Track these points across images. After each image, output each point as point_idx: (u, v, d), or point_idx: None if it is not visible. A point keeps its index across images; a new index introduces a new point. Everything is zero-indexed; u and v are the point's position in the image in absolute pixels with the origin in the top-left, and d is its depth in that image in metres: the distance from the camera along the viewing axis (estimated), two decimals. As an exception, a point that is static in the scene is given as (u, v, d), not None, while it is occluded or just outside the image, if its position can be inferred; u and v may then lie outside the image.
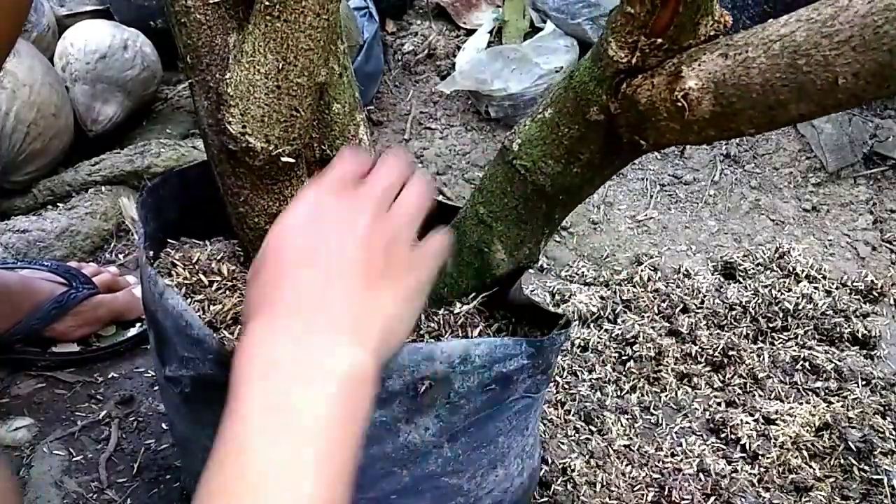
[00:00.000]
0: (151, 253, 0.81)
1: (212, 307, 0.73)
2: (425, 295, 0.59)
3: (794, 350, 1.30)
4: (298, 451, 0.42)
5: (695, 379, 1.24)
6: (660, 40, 0.53)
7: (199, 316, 0.72)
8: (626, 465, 1.10)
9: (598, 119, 0.59)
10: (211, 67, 0.71)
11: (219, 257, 0.79)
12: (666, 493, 1.05)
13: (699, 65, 0.50)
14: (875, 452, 1.10)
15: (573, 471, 1.07)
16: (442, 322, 0.78)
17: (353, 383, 0.45)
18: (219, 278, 0.77)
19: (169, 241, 0.83)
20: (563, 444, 1.11)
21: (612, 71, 0.56)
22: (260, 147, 0.69)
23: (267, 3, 0.64)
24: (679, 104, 0.50)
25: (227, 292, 0.75)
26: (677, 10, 0.51)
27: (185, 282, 0.76)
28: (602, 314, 1.34)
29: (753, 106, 0.47)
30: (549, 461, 1.08)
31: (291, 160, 0.72)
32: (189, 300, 0.75)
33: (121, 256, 1.43)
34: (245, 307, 0.52)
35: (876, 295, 1.44)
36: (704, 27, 0.53)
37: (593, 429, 1.14)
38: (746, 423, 1.16)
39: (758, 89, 0.46)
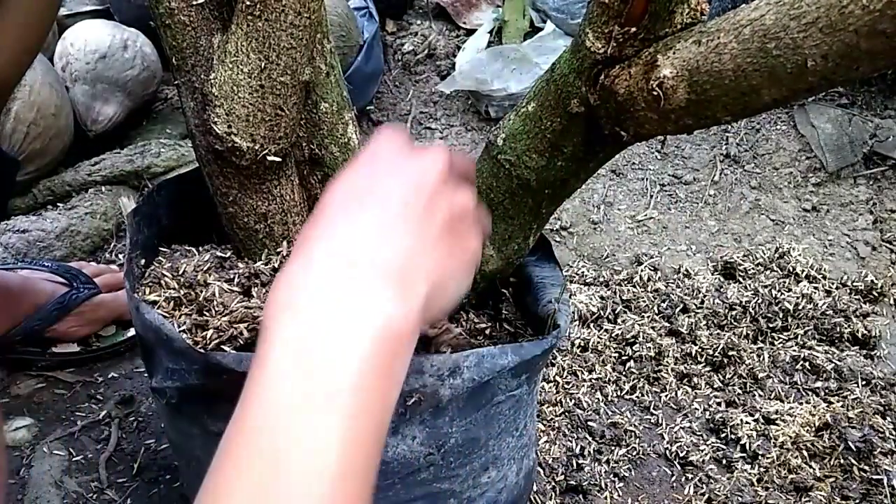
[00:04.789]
0: (143, 261, 0.81)
1: (201, 332, 0.73)
2: (475, 270, 0.55)
3: (794, 350, 1.30)
4: (324, 413, 0.38)
5: (695, 379, 1.24)
6: (635, 29, 0.53)
7: (187, 332, 0.72)
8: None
9: (579, 111, 0.59)
10: (196, 68, 0.71)
11: (205, 268, 0.79)
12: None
13: (674, 53, 0.50)
14: (875, 452, 1.10)
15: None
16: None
17: (391, 339, 0.41)
18: (204, 290, 0.77)
19: (161, 248, 0.84)
20: (563, 444, 1.10)
21: (590, 62, 0.56)
22: (246, 147, 0.70)
23: (248, 3, 0.64)
24: (655, 93, 0.49)
25: (215, 305, 0.75)
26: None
27: (174, 294, 0.76)
28: (602, 314, 1.34)
29: (727, 93, 0.47)
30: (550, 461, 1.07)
31: (278, 159, 0.72)
32: (177, 313, 0.75)
33: (120, 256, 1.43)
34: (297, 242, 0.47)
35: (876, 295, 1.44)
36: (680, 15, 0.52)
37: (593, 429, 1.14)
38: (746, 423, 1.15)
39: (730, 75, 0.46)
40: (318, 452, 0.37)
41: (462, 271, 0.51)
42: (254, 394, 0.39)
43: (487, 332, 0.81)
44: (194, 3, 0.69)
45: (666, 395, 1.21)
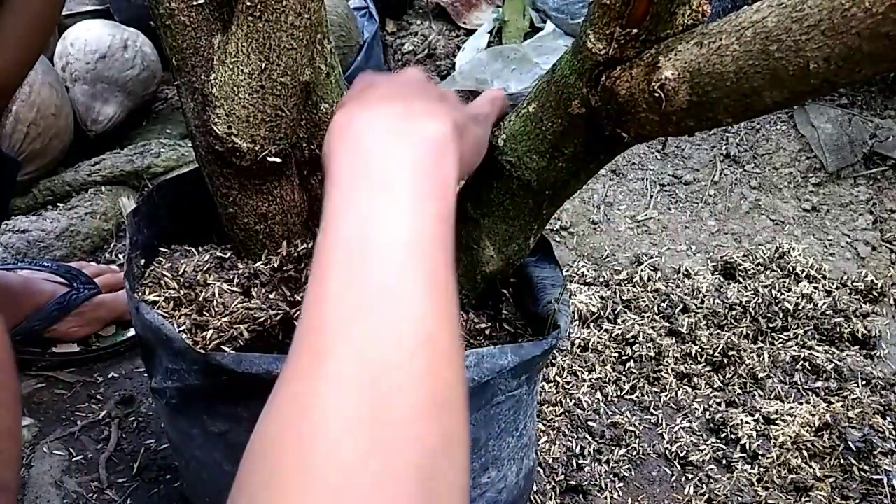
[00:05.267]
0: (143, 262, 0.81)
1: (201, 333, 0.73)
2: (488, 134, 0.65)
3: (794, 350, 1.30)
4: (389, 199, 0.44)
5: (695, 379, 1.24)
6: (636, 31, 0.53)
7: (187, 333, 0.72)
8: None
9: (580, 112, 0.59)
10: (196, 69, 0.71)
11: (205, 268, 0.79)
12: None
13: (675, 55, 0.50)
14: (875, 452, 1.10)
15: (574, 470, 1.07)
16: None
17: (435, 142, 0.48)
18: (204, 291, 0.77)
19: (161, 248, 0.84)
20: (563, 444, 1.10)
21: (592, 63, 0.56)
22: (246, 147, 0.69)
23: (248, 4, 0.64)
24: (656, 95, 0.49)
25: (215, 305, 0.75)
26: (652, 1, 0.51)
27: (174, 295, 0.76)
28: (602, 314, 1.34)
29: (728, 94, 0.47)
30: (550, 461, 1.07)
31: (278, 160, 0.72)
32: (177, 313, 0.75)
33: (120, 256, 1.43)
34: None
35: (876, 295, 1.44)
36: (682, 17, 0.52)
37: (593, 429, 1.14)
38: (746, 423, 1.15)
39: (732, 77, 0.46)
40: (393, 222, 0.43)
41: (473, 122, 0.60)
42: (331, 199, 0.46)
43: (487, 332, 0.81)
44: (194, 3, 0.69)
45: (666, 395, 1.21)
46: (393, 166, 0.45)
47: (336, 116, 0.51)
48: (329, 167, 0.48)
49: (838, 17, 0.39)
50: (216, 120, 0.68)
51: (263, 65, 0.66)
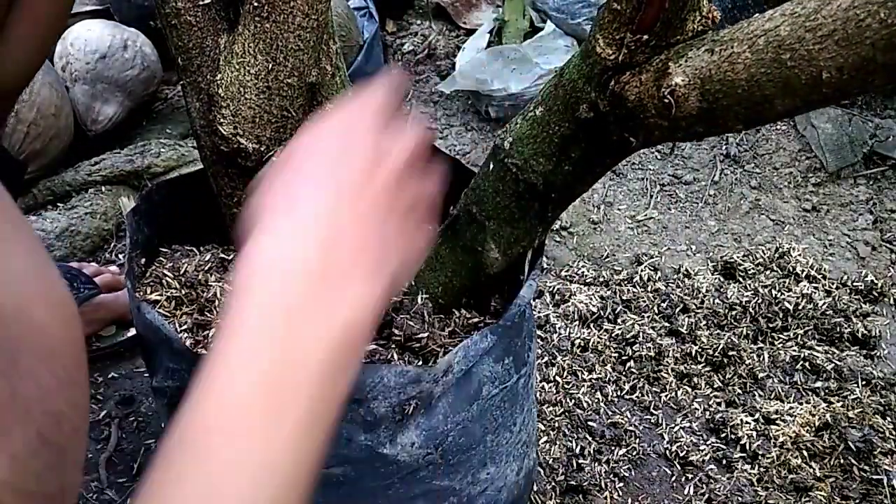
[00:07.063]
0: (144, 261, 0.81)
1: (202, 332, 0.73)
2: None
3: (794, 350, 1.30)
4: (278, 426, 0.38)
5: (695, 379, 1.24)
6: (646, 37, 0.53)
7: (188, 332, 0.72)
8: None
9: (588, 116, 0.59)
10: (202, 69, 0.71)
11: (206, 268, 0.79)
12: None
13: (686, 61, 0.50)
14: (875, 452, 1.10)
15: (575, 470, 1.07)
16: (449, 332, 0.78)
17: (355, 334, 0.41)
18: (205, 290, 0.77)
19: (161, 248, 0.84)
20: (564, 444, 1.11)
21: (601, 68, 0.56)
22: (251, 148, 0.70)
23: (255, 4, 0.64)
24: (666, 101, 0.50)
25: (217, 305, 0.75)
26: (663, 7, 0.51)
27: (175, 294, 0.76)
28: (602, 314, 1.34)
29: (739, 102, 0.47)
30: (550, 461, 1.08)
31: None
32: (178, 312, 0.75)
33: (120, 256, 1.43)
34: (254, 209, 0.45)
35: (876, 295, 1.44)
36: (692, 23, 0.53)
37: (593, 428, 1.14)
38: (746, 423, 1.15)
39: (743, 85, 0.46)
40: (268, 459, 0.37)
41: (414, 260, 0.50)
42: (214, 381, 0.39)
43: (479, 325, 0.81)
44: (201, 3, 0.68)
45: (666, 395, 1.22)
46: (299, 369, 0.39)
47: (254, 245, 0.43)
48: (236, 306, 0.41)
49: (853, 28, 0.39)
50: (222, 120, 0.68)
51: (270, 66, 0.66)
